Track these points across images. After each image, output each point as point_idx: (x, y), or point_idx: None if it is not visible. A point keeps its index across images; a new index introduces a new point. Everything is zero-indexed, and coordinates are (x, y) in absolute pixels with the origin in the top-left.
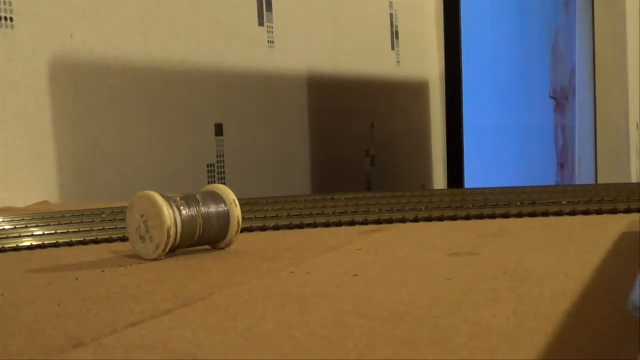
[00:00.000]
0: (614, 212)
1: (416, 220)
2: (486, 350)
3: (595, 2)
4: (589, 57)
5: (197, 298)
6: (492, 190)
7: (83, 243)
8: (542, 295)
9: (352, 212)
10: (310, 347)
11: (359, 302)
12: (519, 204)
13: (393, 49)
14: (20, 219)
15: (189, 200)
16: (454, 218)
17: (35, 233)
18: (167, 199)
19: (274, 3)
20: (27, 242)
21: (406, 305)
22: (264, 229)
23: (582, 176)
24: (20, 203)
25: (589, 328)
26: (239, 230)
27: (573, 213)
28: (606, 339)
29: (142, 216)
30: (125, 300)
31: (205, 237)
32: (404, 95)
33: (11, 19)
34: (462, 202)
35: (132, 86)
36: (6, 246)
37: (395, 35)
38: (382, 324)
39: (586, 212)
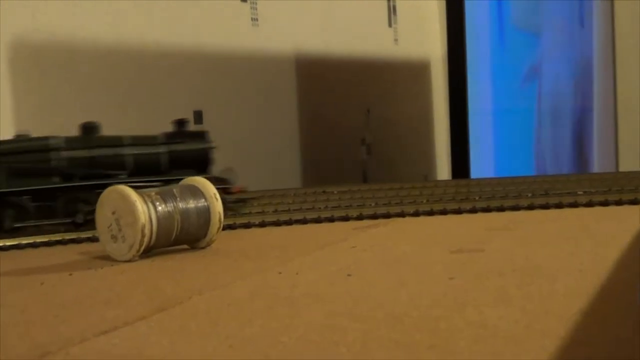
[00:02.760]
0: (634, 202)
1: (416, 214)
2: (490, 354)
3: None
4: (607, 35)
5: (175, 302)
6: (500, 181)
7: (48, 244)
8: (554, 293)
9: (345, 206)
10: (299, 353)
11: (352, 304)
12: (530, 194)
13: (390, 25)
14: None
15: (165, 195)
16: (458, 211)
17: None
18: (141, 194)
19: None
20: None
21: (404, 306)
22: (248, 225)
23: (601, 164)
24: None
25: (605, 329)
26: (221, 228)
27: (590, 204)
28: (623, 340)
29: (113, 213)
30: (95, 305)
31: (184, 236)
32: (403, 77)
33: None
34: (467, 194)
35: (102, 70)
36: None
37: (392, 10)
38: (377, 327)
39: (604, 203)
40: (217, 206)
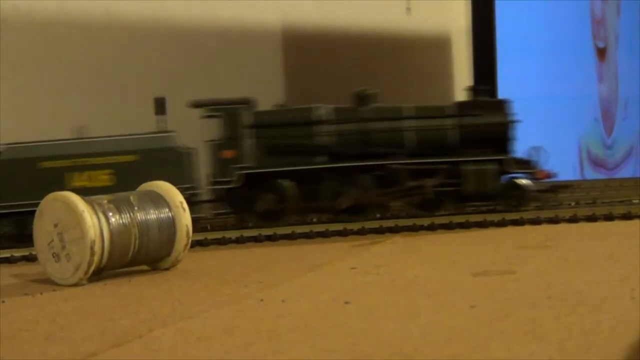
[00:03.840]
0: None
1: (432, 227)
2: None
3: None
4: None
5: (132, 336)
6: (536, 186)
7: None
8: (599, 325)
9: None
10: None
11: (351, 339)
12: (572, 204)
13: None
14: None
15: (120, 203)
16: (482, 224)
17: None
18: (90, 202)
19: None
20: None
21: (415, 342)
22: (222, 242)
23: None
24: None
25: None
26: (189, 244)
27: None
28: None
29: (55, 226)
30: (34, 339)
31: (143, 254)
32: (416, 56)
33: None
34: (494, 203)
35: (39, 45)
36: None
37: None
38: None
39: None
40: (185, 217)
